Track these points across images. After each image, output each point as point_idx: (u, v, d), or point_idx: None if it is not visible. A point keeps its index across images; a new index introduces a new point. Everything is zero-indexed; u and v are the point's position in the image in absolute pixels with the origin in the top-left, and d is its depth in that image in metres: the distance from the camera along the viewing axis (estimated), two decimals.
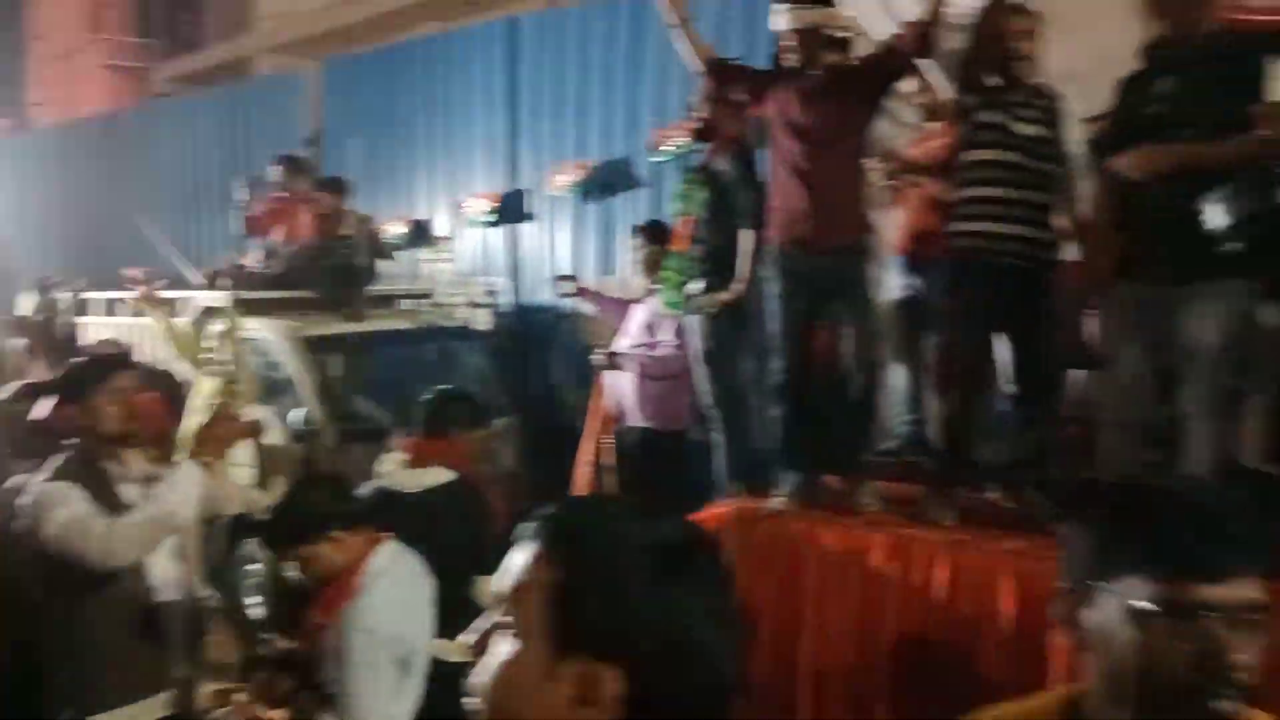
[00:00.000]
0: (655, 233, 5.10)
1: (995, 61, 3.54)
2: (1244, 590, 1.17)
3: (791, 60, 3.71)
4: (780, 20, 3.72)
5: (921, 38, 3.52)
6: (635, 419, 5.16)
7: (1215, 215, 2.77)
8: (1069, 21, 3.74)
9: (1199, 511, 1.21)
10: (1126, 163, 2.97)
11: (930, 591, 3.24)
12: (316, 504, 2.73)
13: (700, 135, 4.45)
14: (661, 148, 6.44)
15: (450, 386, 3.92)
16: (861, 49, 3.83)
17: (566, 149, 7.13)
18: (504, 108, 7.52)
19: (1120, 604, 1.21)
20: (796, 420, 3.82)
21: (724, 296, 4.21)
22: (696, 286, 4.32)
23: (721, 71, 4.03)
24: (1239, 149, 2.79)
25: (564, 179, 7.00)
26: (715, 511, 3.89)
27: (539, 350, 7.13)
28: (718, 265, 4.27)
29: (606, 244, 6.88)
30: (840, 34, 3.70)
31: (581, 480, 5.24)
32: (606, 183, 6.83)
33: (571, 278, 5.89)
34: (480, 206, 7.57)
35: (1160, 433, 3.09)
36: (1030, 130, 3.47)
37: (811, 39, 3.65)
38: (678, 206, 4.55)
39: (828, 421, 3.93)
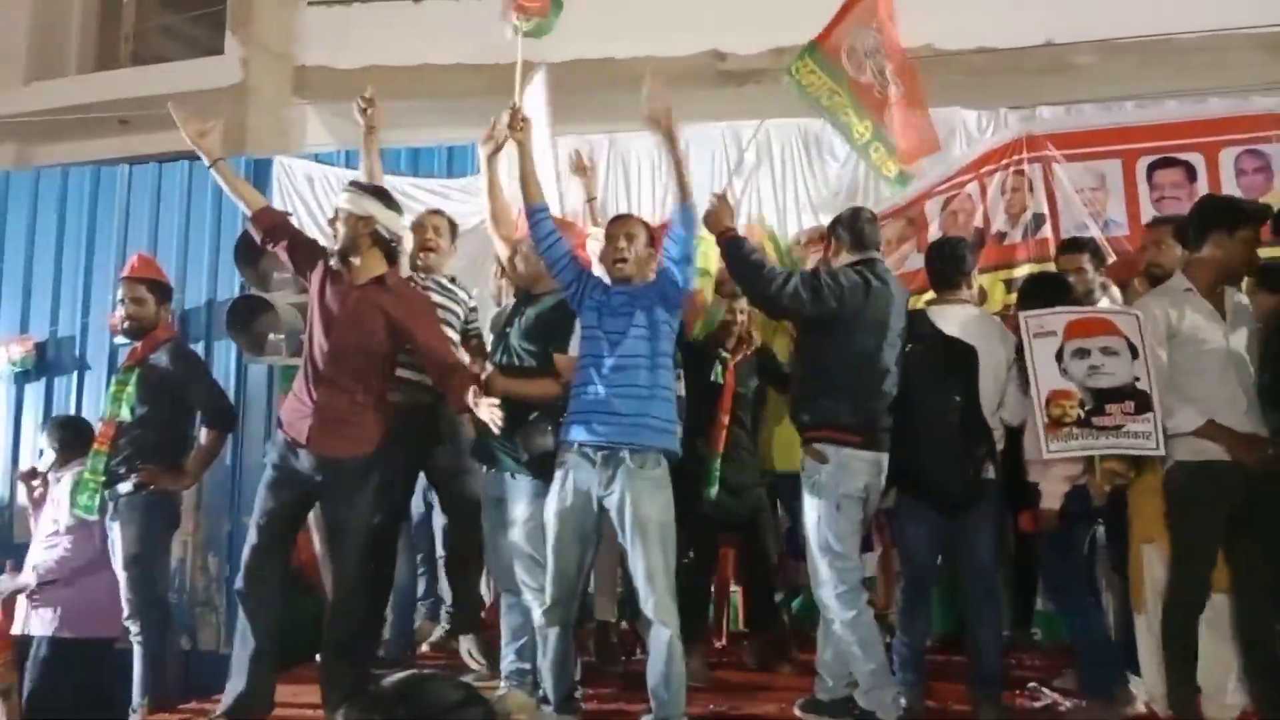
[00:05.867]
0: (71, 429, 4.80)
1: None
2: None
3: (337, 241, 3.54)
4: (339, 200, 3.61)
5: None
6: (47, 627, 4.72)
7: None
8: None
9: None
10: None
11: None
12: None
13: (130, 332, 4.29)
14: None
15: None
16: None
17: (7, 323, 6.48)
18: None
19: None
20: (250, 609, 3.53)
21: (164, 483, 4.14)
22: (126, 488, 4.11)
23: (273, 225, 3.68)
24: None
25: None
26: None
27: None
28: (152, 462, 4.12)
29: None
30: (388, 235, 3.56)
31: None
32: (51, 363, 6.28)
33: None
34: None
35: None
36: None
37: (361, 226, 3.49)
38: (106, 407, 4.30)
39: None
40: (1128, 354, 3.33)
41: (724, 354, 4.15)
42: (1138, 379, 3.31)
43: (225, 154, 3.71)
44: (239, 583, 3.54)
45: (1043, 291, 3.84)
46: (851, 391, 3.44)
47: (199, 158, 3.71)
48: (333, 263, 3.56)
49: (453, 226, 4.24)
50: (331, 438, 3.46)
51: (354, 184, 3.71)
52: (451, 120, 8.04)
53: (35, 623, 4.73)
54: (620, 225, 3.59)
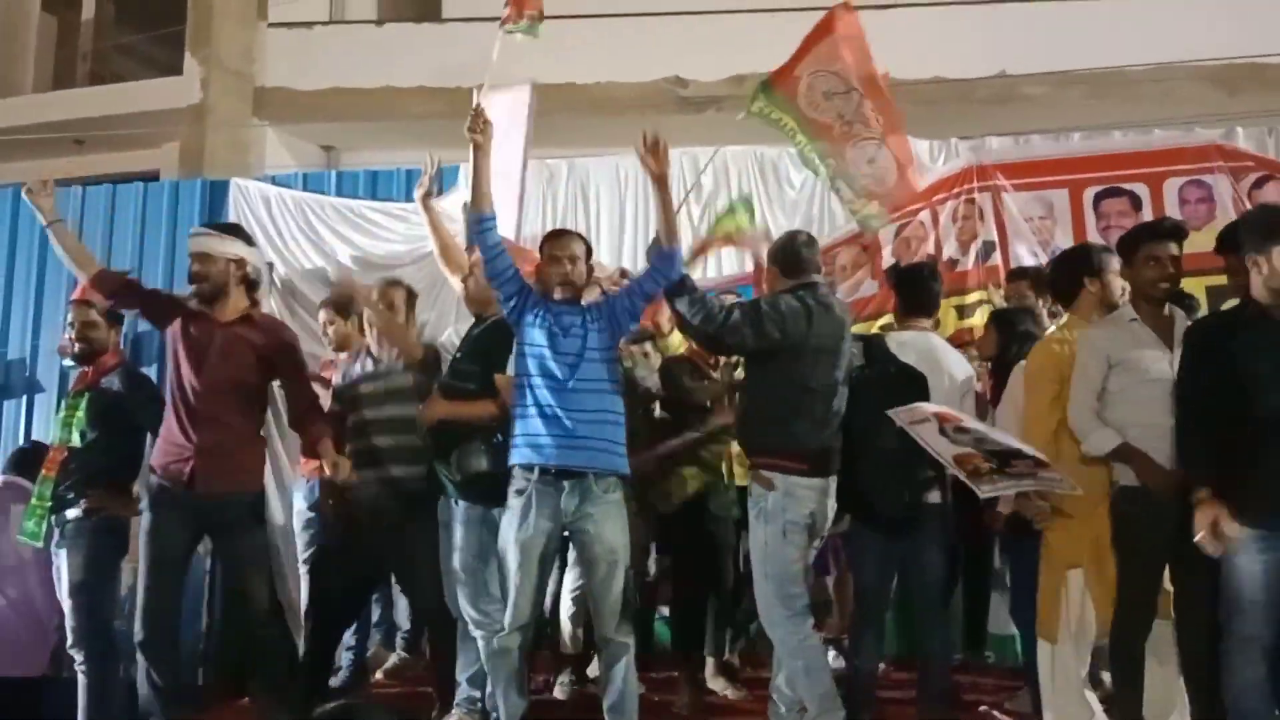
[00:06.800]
0: (30, 458, 4.72)
1: None
2: None
3: (204, 289, 3.66)
4: (197, 244, 3.70)
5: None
6: None
7: None
8: None
9: None
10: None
11: None
12: None
13: (79, 355, 4.23)
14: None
15: None
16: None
17: None
18: None
19: None
20: (155, 656, 3.59)
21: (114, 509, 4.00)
22: (74, 514, 4.04)
23: (117, 288, 3.82)
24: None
25: None
26: None
27: None
28: (102, 488, 4.02)
29: None
30: (253, 273, 3.73)
31: None
32: (0, 385, 6.16)
33: None
34: None
35: None
36: None
37: (234, 269, 3.65)
38: (56, 433, 4.24)
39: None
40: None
41: (713, 375, 4.17)
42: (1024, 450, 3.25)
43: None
44: (140, 635, 3.56)
45: (1012, 321, 4.01)
46: (798, 420, 3.42)
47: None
48: (193, 304, 3.68)
49: (411, 296, 4.15)
50: (218, 474, 3.55)
51: (208, 226, 3.92)
52: (412, 143, 8.06)
53: None
54: (562, 246, 3.54)
